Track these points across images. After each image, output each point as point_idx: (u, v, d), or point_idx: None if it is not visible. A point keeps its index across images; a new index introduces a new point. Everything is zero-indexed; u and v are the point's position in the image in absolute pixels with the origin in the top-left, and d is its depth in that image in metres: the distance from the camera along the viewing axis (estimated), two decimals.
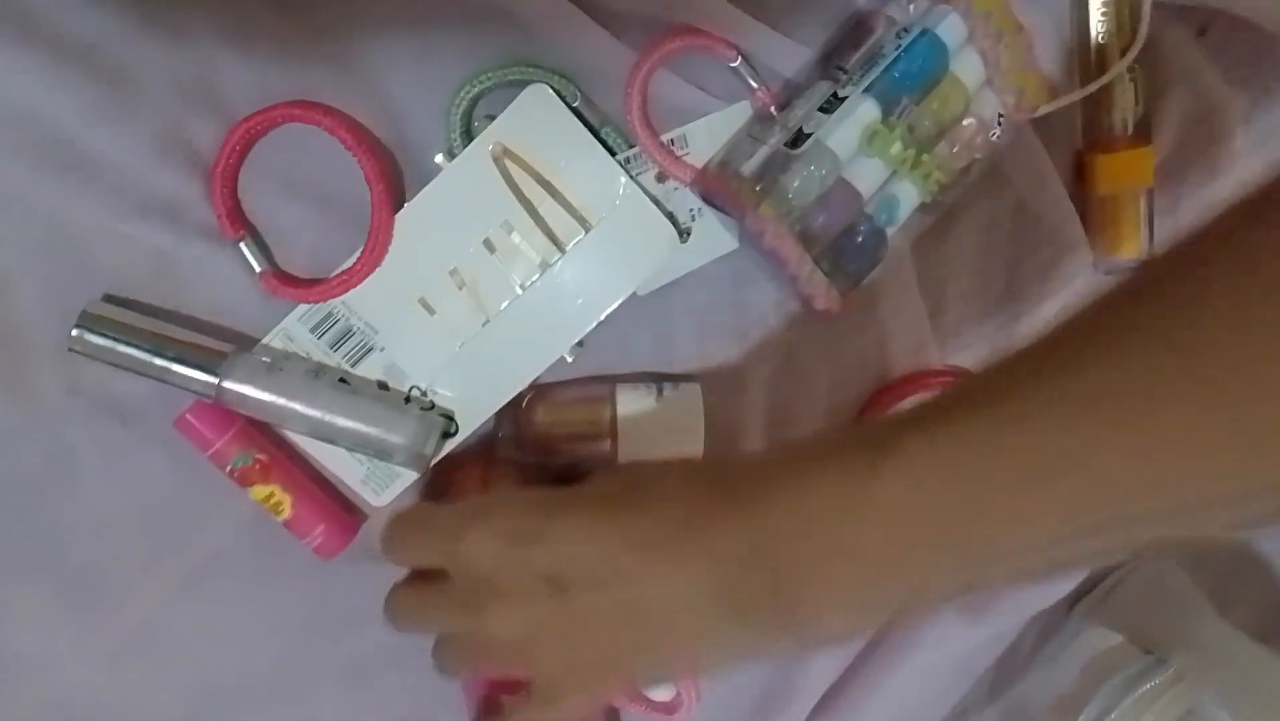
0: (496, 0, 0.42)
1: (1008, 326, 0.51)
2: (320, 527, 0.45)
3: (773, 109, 0.45)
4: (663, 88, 0.45)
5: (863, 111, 0.42)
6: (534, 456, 0.47)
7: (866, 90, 0.42)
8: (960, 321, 0.51)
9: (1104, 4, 0.46)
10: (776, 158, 0.43)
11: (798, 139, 0.42)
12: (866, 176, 0.44)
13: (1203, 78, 0.49)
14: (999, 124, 0.45)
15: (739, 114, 0.46)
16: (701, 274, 0.47)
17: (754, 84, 0.45)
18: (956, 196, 0.47)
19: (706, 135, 0.46)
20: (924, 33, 0.42)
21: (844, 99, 0.42)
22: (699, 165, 0.46)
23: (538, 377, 0.47)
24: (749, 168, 0.43)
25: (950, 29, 0.42)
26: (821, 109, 0.43)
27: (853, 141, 0.43)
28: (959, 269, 0.50)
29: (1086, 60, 0.47)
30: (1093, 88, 0.47)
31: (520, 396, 0.47)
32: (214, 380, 0.42)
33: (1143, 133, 0.48)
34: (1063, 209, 0.50)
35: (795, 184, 0.42)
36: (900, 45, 0.42)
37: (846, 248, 0.45)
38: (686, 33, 0.43)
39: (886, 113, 0.43)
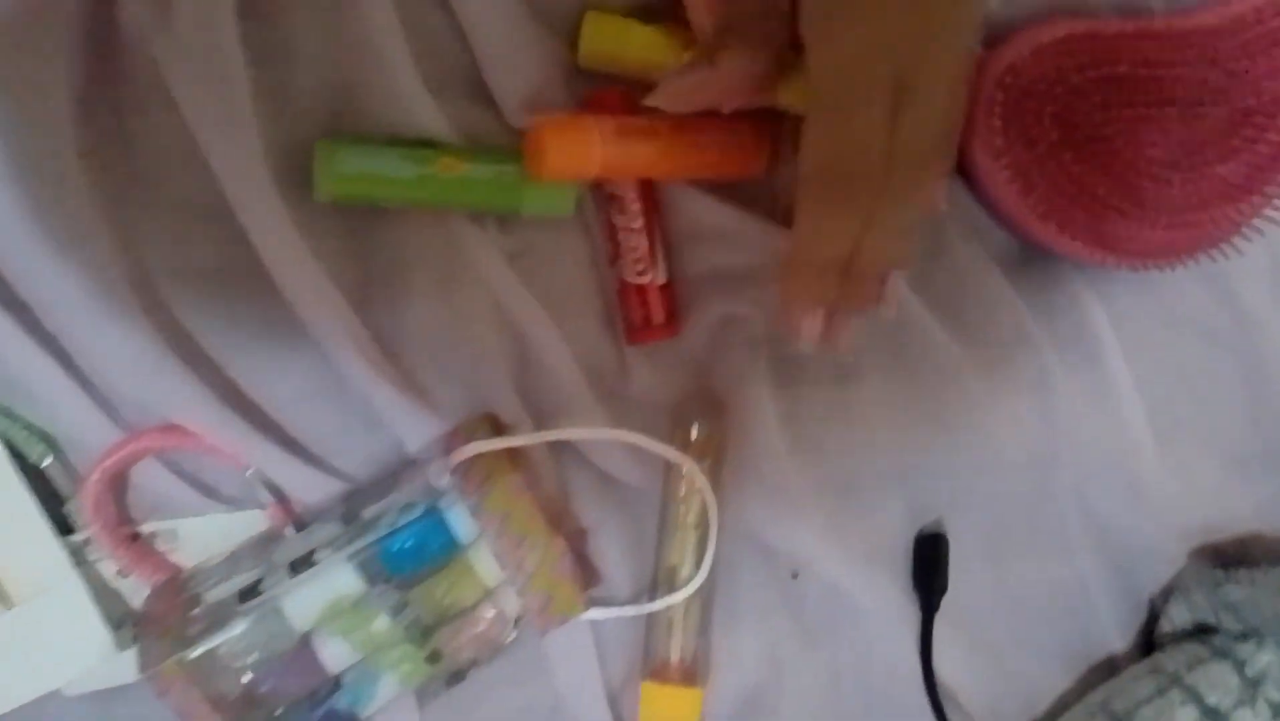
0: None
1: None
2: None
3: (286, 532, 0.40)
4: (163, 475, 0.39)
5: (335, 578, 0.37)
6: None
7: (352, 555, 0.37)
8: None
9: (681, 528, 0.42)
10: (225, 605, 0.36)
11: (251, 592, 0.36)
12: (336, 649, 0.37)
13: (775, 619, 0.45)
14: (516, 625, 0.40)
15: (248, 523, 0.40)
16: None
17: (265, 501, 0.40)
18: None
19: (201, 537, 0.40)
20: (430, 512, 0.38)
21: (321, 559, 0.37)
22: (180, 566, 0.39)
23: None
24: (207, 599, 0.37)
25: (458, 519, 0.38)
26: (295, 563, 0.37)
27: (318, 609, 0.37)
28: None
29: (654, 581, 0.43)
30: (640, 610, 0.42)
31: None
32: None
33: (694, 672, 0.43)
34: None
35: (236, 633, 0.36)
36: (404, 517, 0.37)
37: None
38: (179, 433, 0.38)
39: (370, 584, 0.37)
